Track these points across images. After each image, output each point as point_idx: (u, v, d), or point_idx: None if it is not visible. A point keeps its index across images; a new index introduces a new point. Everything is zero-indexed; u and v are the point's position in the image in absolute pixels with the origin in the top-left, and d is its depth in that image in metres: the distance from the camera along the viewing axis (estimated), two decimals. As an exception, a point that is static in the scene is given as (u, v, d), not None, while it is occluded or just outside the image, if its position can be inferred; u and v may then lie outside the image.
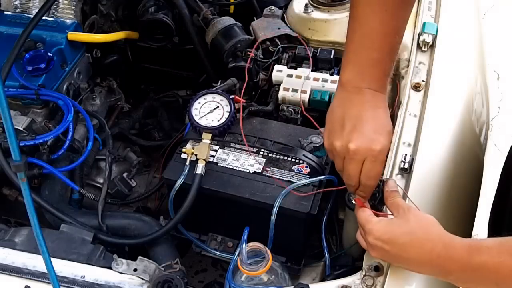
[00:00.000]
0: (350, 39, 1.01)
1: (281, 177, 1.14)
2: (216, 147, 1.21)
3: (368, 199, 1.03)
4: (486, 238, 0.88)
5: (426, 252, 0.89)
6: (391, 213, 0.99)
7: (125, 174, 1.49)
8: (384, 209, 1.03)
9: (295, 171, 1.15)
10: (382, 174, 1.15)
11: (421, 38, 1.39)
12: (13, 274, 1.06)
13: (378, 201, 1.03)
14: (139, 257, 1.09)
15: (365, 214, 0.98)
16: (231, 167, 1.17)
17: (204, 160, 1.16)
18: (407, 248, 0.91)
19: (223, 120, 1.23)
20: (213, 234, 1.24)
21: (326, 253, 1.16)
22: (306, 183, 1.12)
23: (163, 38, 1.60)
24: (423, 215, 0.95)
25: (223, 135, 1.23)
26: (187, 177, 1.16)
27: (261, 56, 1.43)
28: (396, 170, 1.16)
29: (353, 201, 1.03)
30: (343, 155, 0.99)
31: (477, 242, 0.88)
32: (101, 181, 1.44)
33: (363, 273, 1.02)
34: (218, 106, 1.25)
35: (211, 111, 1.24)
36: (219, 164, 1.17)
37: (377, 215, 0.98)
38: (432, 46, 1.39)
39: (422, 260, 0.90)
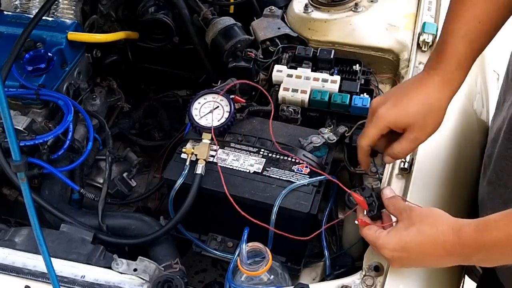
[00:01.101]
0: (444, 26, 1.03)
1: (281, 177, 1.14)
2: (216, 147, 1.20)
3: (366, 212, 1.03)
4: (491, 214, 0.87)
5: (440, 245, 0.89)
6: (394, 220, 0.99)
7: (125, 174, 1.49)
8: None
9: (295, 171, 1.15)
10: (380, 181, 1.16)
11: (421, 38, 1.39)
12: (13, 274, 1.06)
13: (376, 210, 1.02)
14: (139, 257, 1.09)
15: (372, 231, 0.97)
16: (231, 167, 1.17)
17: (204, 160, 1.16)
18: (422, 248, 0.91)
19: (223, 120, 1.23)
20: (213, 234, 1.24)
21: (326, 253, 1.16)
22: (306, 183, 1.12)
23: (163, 38, 1.60)
24: (425, 210, 0.95)
25: (223, 135, 1.23)
26: (187, 177, 1.16)
27: (261, 56, 1.43)
28: (396, 170, 1.16)
29: (356, 222, 1.02)
30: None
31: (483, 220, 0.87)
32: (101, 181, 1.44)
33: (363, 273, 1.02)
34: (218, 106, 1.25)
35: (211, 111, 1.24)
36: (219, 164, 1.17)
37: (380, 227, 0.98)
38: (432, 46, 1.39)
39: (440, 254, 0.90)
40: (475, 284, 1.43)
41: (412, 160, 1.15)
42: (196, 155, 1.17)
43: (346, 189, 1.08)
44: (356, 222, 1.02)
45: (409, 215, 0.93)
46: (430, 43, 1.38)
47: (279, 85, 1.33)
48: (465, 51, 0.99)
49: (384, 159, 1.05)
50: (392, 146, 1.03)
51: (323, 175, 1.14)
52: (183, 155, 1.19)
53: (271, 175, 1.15)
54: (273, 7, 1.56)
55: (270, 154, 1.18)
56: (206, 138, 1.20)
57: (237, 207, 1.09)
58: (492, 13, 0.98)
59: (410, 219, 0.93)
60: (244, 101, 1.29)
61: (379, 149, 1.07)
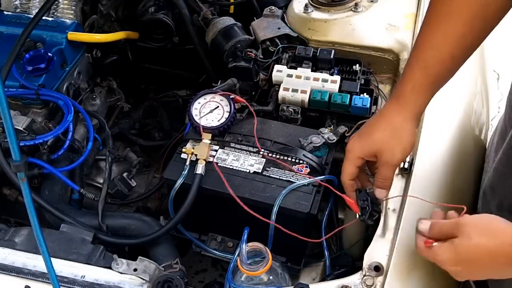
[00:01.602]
0: (413, 51, 1.02)
1: (281, 177, 1.14)
2: (216, 147, 1.21)
3: (358, 216, 1.04)
4: None
5: (503, 257, 0.85)
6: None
7: (125, 174, 1.49)
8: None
9: (295, 171, 1.15)
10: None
11: (421, 38, 1.39)
12: (13, 274, 1.07)
13: (368, 216, 1.03)
14: (139, 257, 1.09)
15: (431, 250, 0.91)
16: (231, 167, 1.17)
17: (204, 160, 1.16)
18: (484, 262, 0.87)
19: (223, 120, 1.23)
20: (213, 234, 1.24)
21: (326, 253, 1.16)
22: (306, 183, 1.12)
23: (163, 38, 1.60)
24: (479, 219, 0.90)
25: (223, 135, 1.23)
26: (187, 177, 1.16)
27: (261, 56, 1.43)
28: (396, 170, 1.16)
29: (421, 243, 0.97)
30: None
31: None
32: (101, 181, 1.44)
33: (363, 273, 1.02)
34: (218, 106, 1.25)
35: (211, 111, 1.24)
36: (219, 164, 1.17)
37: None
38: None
39: (503, 265, 0.86)
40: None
41: (412, 160, 1.15)
42: (196, 155, 1.17)
43: (338, 192, 1.09)
44: (422, 244, 0.94)
45: (462, 230, 0.87)
46: (430, 43, 1.38)
47: (279, 85, 1.33)
48: (420, 76, 0.99)
49: (375, 193, 1.05)
50: (375, 176, 1.05)
51: (319, 183, 1.13)
52: (183, 155, 1.19)
53: (271, 175, 1.15)
54: (273, 7, 1.56)
55: (270, 154, 1.18)
56: (206, 138, 1.20)
57: (244, 206, 1.09)
58: (449, 43, 0.97)
59: (465, 233, 0.87)
60: (244, 101, 1.29)
61: (365, 187, 1.08)
